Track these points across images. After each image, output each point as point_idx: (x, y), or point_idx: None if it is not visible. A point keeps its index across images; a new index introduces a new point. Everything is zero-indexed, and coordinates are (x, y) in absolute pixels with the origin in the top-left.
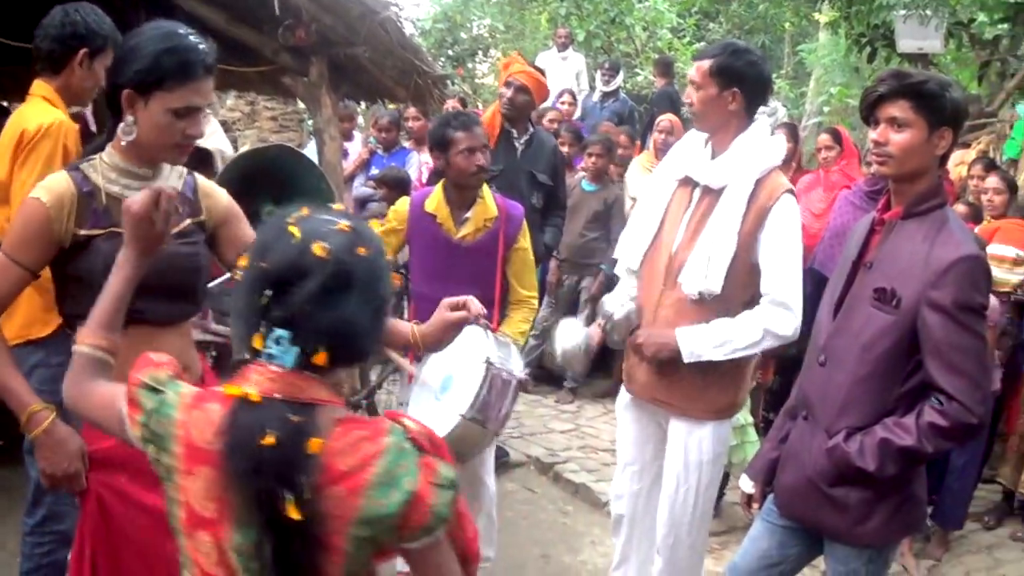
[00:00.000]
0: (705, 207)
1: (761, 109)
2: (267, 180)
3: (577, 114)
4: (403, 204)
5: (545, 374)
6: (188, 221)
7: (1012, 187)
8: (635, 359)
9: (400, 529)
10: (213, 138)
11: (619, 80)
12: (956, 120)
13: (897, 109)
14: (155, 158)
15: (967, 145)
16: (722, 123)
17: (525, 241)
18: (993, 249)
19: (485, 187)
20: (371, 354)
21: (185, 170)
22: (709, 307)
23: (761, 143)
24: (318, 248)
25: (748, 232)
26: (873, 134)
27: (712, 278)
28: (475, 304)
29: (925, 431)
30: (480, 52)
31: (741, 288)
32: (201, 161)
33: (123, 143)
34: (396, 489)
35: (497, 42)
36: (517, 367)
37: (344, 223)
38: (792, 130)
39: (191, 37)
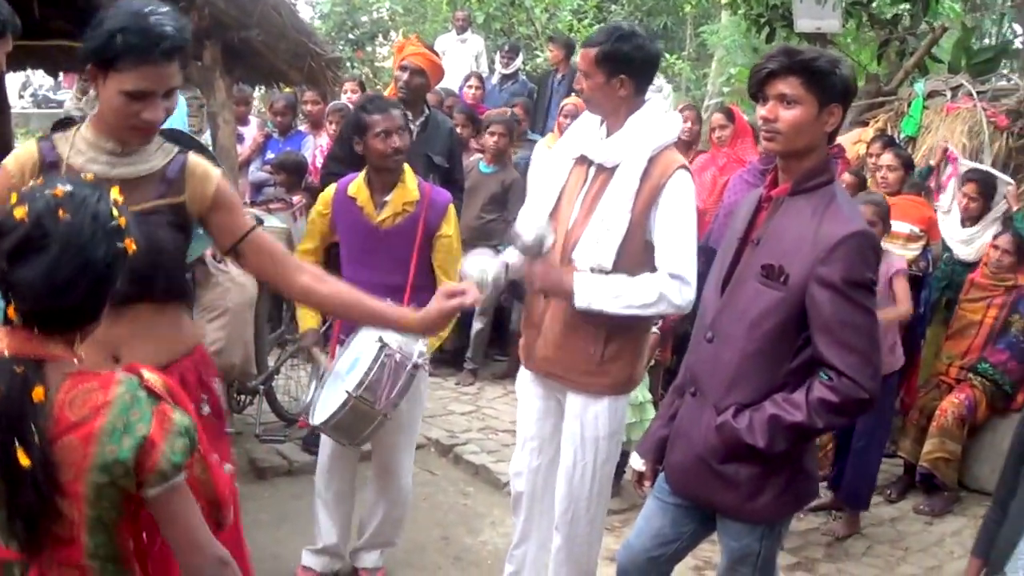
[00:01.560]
0: (599, 185)
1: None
2: None
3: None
4: (330, 189)
5: (447, 356)
6: (156, 202)
7: (907, 164)
8: (533, 335)
9: (137, 475)
10: None
11: (519, 62)
12: (845, 97)
13: (787, 86)
14: (118, 136)
15: (865, 124)
16: (613, 107)
17: (449, 228)
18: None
19: (409, 171)
20: (89, 315)
21: (177, 149)
22: None
23: (655, 121)
24: (18, 211)
25: (641, 209)
26: (762, 111)
27: (603, 254)
28: (472, 289)
29: (815, 407)
30: (380, 35)
31: (635, 265)
32: None
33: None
34: (129, 436)
35: (397, 25)
36: (415, 352)
37: (61, 188)
38: (696, 114)
39: (155, 17)
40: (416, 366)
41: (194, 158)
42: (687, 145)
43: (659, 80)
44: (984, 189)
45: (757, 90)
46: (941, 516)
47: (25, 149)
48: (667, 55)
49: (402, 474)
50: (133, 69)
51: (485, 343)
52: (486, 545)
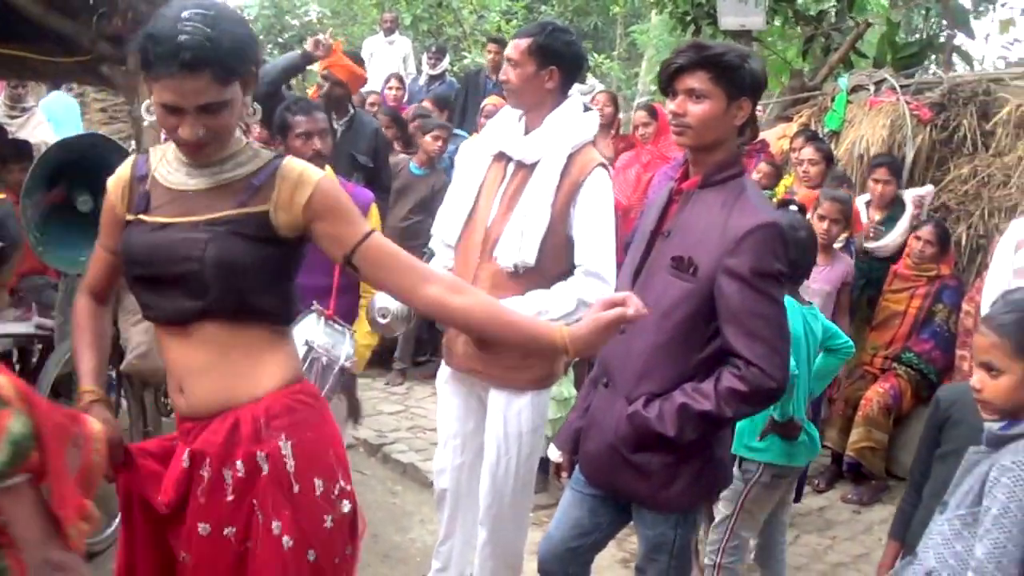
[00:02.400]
0: (519, 182)
1: (579, 87)
2: (82, 170)
3: (405, 98)
4: None
5: (375, 357)
6: (231, 211)
7: (828, 158)
8: (453, 333)
9: None
10: (38, 130)
11: (445, 63)
12: (755, 90)
13: (695, 80)
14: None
15: (789, 119)
16: (538, 100)
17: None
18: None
19: (329, 173)
20: None
21: (273, 154)
22: (524, 280)
23: (574, 119)
24: None
25: (561, 206)
26: (671, 105)
27: (526, 251)
28: (634, 299)
29: (724, 396)
30: (309, 38)
31: (555, 261)
32: (21, 154)
33: None
34: None
35: (325, 27)
36: (343, 354)
37: None
38: (612, 97)
39: (183, 24)
40: (343, 369)
41: (292, 163)
42: (604, 128)
43: (591, 80)
44: (894, 171)
45: (667, 85)
46: (869, 505)
47: (124, 164)
48: (596, 55)
49: None
50: (157, 80)
51: (413, 344)
52: (415, 542)
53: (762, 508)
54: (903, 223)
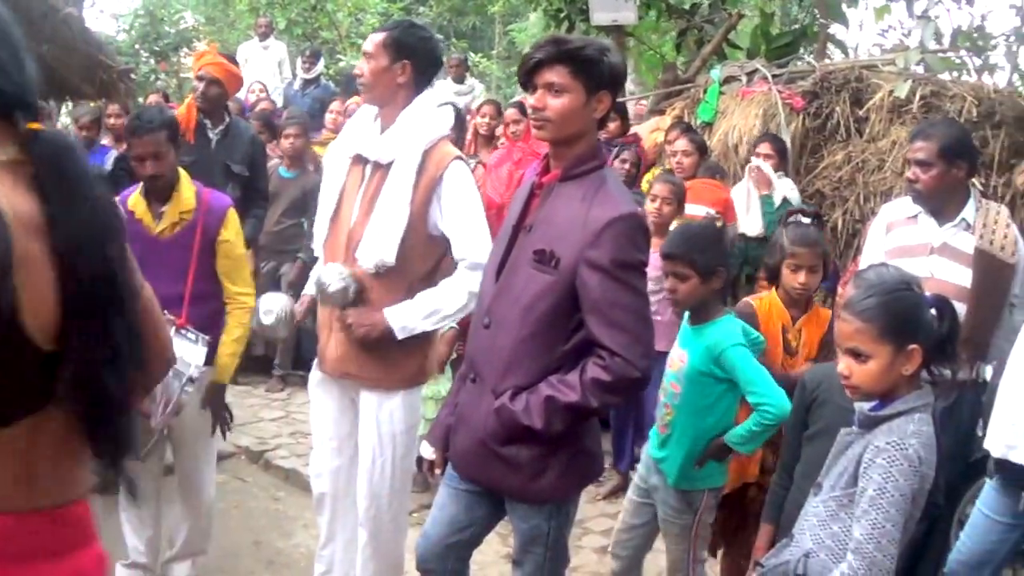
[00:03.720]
0: (377, 182)
1: (458, 88)
2: None
3: (280, 103)
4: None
5: (257, 364)
6: None
7: (701, 149)
8: (325, 336)
9: None
10: None
11: (320, 67)
12: (614, 84)
13: (555, 75)
14: None
15: (663, 112)
16: (391, 95)
17: (229, 233)
18: (686, 209)
19: (185, 180)
20: None
21: None
22: (389, 280)
23: (427, 116)
24: None
25: (420, 203)
26: (531, 99)
27: (386, 250)
28: None
29: (589, 386)
30: (185, 46)
31: (419, 259)
32: None
33: None
34: None
35: (202, 35)
36: (193, 362)
37: None
38: (497, 109)
39: None
40: (191, 379)
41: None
42: (487, 139)
43: (470, 80)
44: (778, 146)
45: (527, 80)
46: None
47: None
48: (475, 55)
49: (204, 485)
50: None
51: (292, 349)
52: (298, 547)
53: (710, 528)
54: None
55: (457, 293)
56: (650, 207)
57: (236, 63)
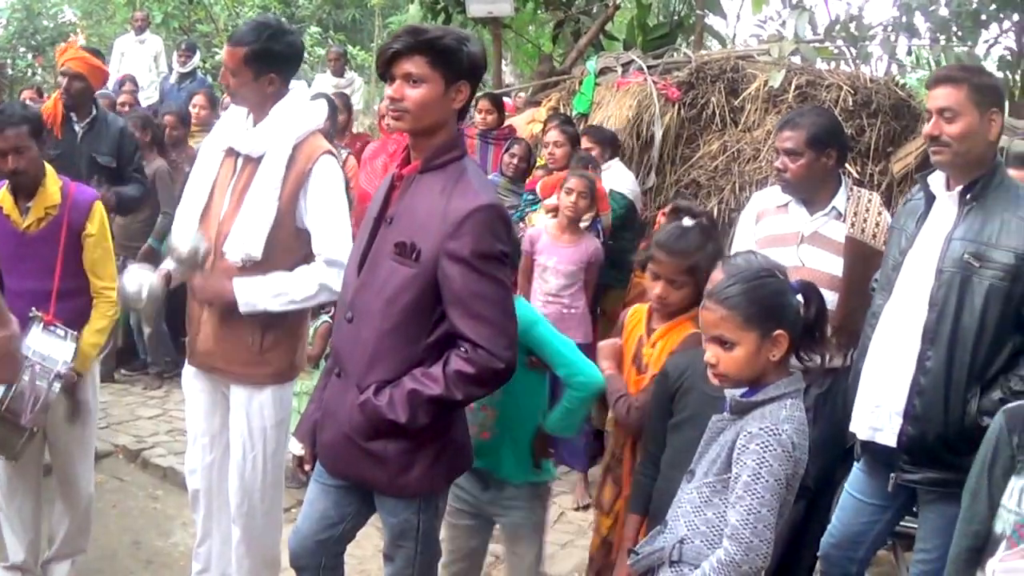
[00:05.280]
0: (247, 175)
1: (337, 81)
2: None
3: (155, 97)
4: None
5: (140, 364)
6: None
7: (574, 140)
8: (194, 330)
9: None
10: None
11: (196, 60)
12: (474, 74)
13: (412, 65)
14: None
15: (538, 104)
16: (260, 102)
17: (94, 227)
18: (555, 199)
19: (51, 175)
20: None
21: None
22: (254, 273)
23: (298, 110)
24: None
25: (288, 196)
26: (389, 90)
27: (253, 244)
28: None
29: (452, 379)
30: (62, 40)
31: (286, 253)
32: None
33: None
34: None
35: (80, 28)
36: (61, 358)
37: None
38: (345, 99)
39: None
40: (59, 376)
41: None
42: (339, 133)
43: (349, 74)
44: (600, 136)
45: (384, 70)
46: None
47: None
48: (354, 48)
49: (82, 483)
50: None
51: (161, 344)
52: (177, 546)
53: None
54: None
55: (308, 281)
56: (565, 200)
57: (101, 56)
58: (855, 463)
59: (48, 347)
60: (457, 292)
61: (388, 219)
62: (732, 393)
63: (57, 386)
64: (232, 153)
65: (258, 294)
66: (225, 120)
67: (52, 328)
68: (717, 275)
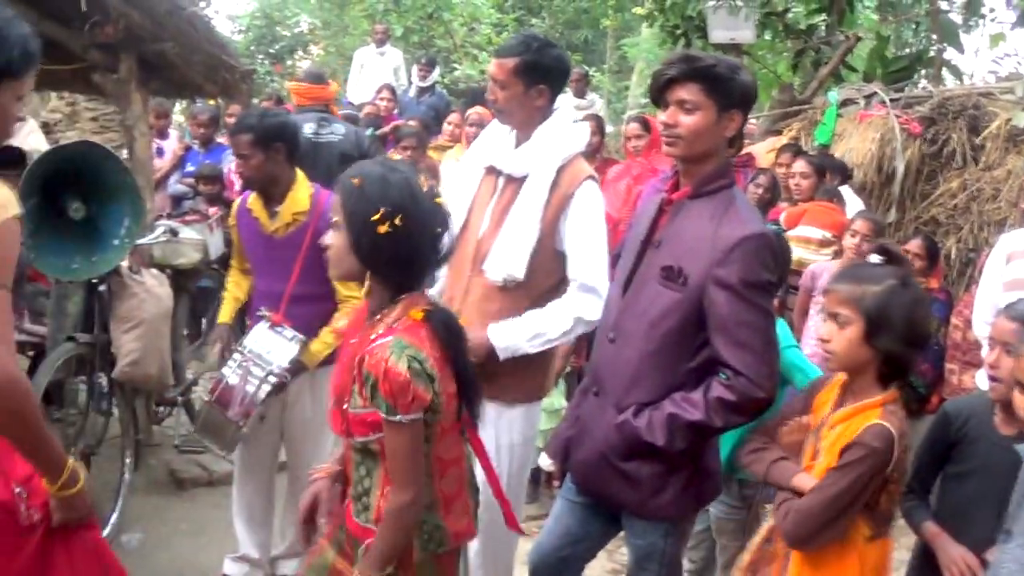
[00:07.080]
0: (509, 195)
1: (578, 102)
2: (74, 178)
3: (394, 109)
4: (237, 202)
5: None
6: None
7: (819, 171)
8: None
9: None
10: (31, 138)
11: (435, 75)
12: (745, 103)
13: (686, 92)
14: None
15: (779, 133)
16: (527, 117)
17: None
18: (800, 231)
19: (301, 180)
20: None
21: None
22: (514, 293)
23: (563, 132)
24: None
25: (551, 219)
26: (663, 116)
27: (516, 265)
28: None
29: (713, 406)
30: (300, 49)
31: (545, 275)
32: (16, 162)
33: None
34: None
35: (317, 39)
36: (279, 360)
37: None
38: (598, 121)
39: None
40: (273, 375)
41: None
42: (589, 156)
43: (591, 95)
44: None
45: (658, 96)
46: None
47: None
48: (588, 68)
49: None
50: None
51: None
52: None
53: None
54: None
55: (563, 317)
56: (849, 242)
57: (321, 78)
58: None
59: (268, 346)
60: (722, 319)
61: (656, 243)
62: None
63: (267, 387)
64: (493, 171)
65: (515, 338)
66: (485, 137)
67: (279, 329)
68: (1006, 324)
